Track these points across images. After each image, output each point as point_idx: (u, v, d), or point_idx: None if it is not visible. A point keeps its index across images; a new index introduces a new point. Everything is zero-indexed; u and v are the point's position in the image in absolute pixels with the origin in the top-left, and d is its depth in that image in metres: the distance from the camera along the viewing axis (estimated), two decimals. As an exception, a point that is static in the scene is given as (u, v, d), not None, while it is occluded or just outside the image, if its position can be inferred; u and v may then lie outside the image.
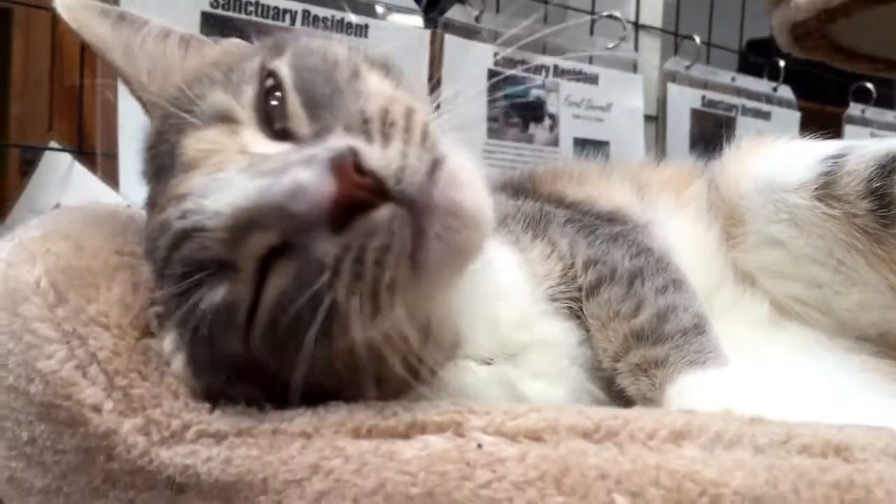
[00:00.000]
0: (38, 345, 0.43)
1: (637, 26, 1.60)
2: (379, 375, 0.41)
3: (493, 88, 1.41)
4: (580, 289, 0.56)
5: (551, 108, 1.48)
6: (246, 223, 0.39)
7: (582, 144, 1.51)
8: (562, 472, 0.36)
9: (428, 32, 1.31)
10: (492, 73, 1.41)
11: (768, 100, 1.81)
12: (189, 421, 0.42)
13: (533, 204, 0.63)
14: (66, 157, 1.03)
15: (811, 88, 1.94)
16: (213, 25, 1.11)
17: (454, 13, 1.36)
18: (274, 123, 0.43)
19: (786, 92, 1.83)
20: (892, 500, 0.35)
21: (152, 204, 0.46)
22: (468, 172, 0.41)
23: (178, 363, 0.43)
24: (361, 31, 1.24)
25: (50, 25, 1.21)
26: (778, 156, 0.67)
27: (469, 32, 1.38)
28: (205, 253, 0.40)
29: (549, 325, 0.54)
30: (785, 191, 0.64)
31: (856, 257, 0.62)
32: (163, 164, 0.45)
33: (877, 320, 0.63)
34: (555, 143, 1.48)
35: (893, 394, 0.58)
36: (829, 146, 0.64)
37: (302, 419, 0.41)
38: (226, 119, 0.44)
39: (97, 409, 0.42)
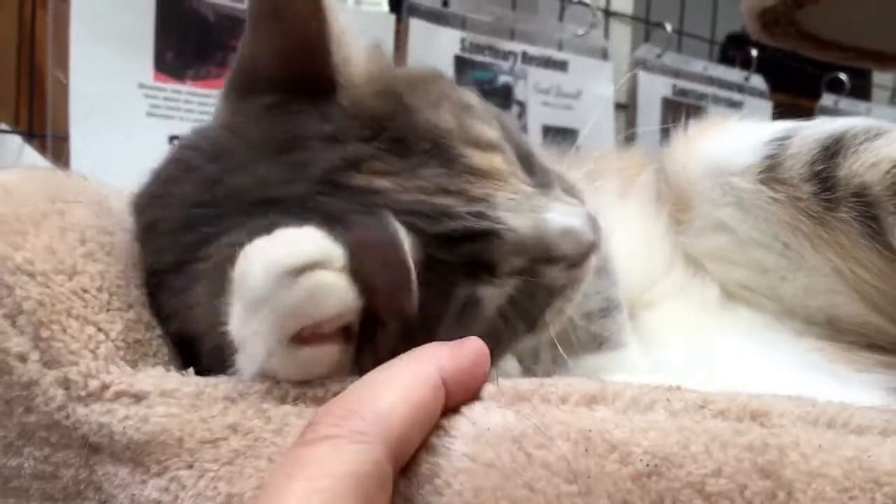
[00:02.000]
0: None
1: (607, 13, 1.59)
2: None
3: (459, 75, 1.40)
4: None
5: (519, 95, 1.47)
6: (525, 245, 0.46)
7: (551, 132, 1.51)
8: (466, 425, 0.35)
9: (392, 17, 1.30)
10: (459, 60, 1.40)
11: (740, 89, 1.81)
12: (108, 381, 0.40)
13: None
14: (15, 140, 1.01)
15: (785, 80, 1.94)
16: (169, 5, 1.10)
17: (420, -3, 1.35)
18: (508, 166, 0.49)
19: (758, 82, 1.83)
20: (808, 463, 0.34)
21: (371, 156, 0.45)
22: None
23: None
24: (324, 14, 1.23)
25: (17, 8, 1.19)
26: (724, 139, 0.66)
27: (435, 17, 1.37)
28: (486, 254, 0.45)
29: None
30: (731, 174, 0.63)
31: (801, 241, 0.61)
32: (404, 140, 0.46)
33: (823, 305, 0.62)
34: (523, 130, 1.47)
35: (835, 374, 0.57)
36: (775, 128, 0.63)
37: (227, 385, 0.40)
38: (495, 150, 0.48)
39: (23, 358, 0.41)
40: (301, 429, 0.35)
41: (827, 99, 1.96)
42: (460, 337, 0.41)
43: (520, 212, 0.46)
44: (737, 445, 0.35)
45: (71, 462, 0.40)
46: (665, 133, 0.74)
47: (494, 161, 0.48)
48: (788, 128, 0.63)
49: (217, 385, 0.40)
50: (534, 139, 1.49)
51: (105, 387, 0.40)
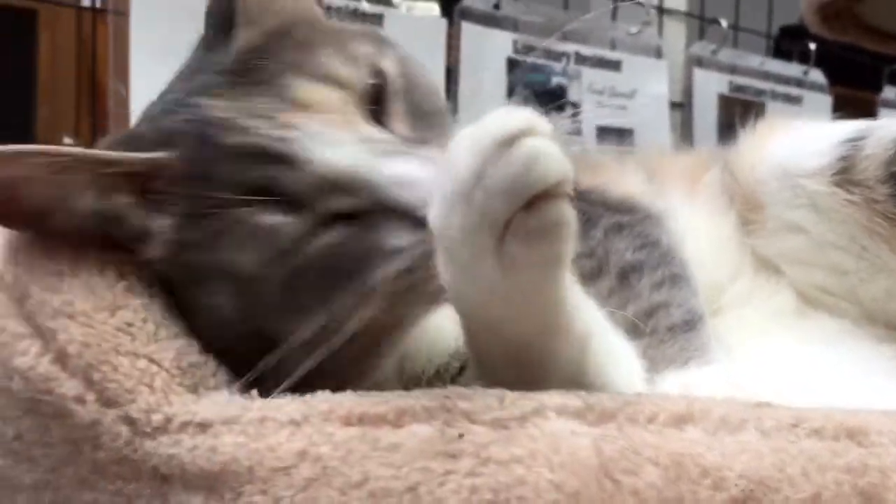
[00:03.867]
0: (10, 342, 0.42)
1: (661, 10, 1.57)
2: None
3: (512, 77, 1.39)
4: None
5: (573, 96, 1.46)
6: (346, 184, 0.43)
7: (605, 133, 1.49)
8: (552, 448, 0.34)
9: (444, 21, 1.30)
10: (511, 62, 1.39)
11: (799, 84, 1.77)
12: (171, 414, 0.40)
13: None
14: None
15: (844, 72, 1.89)
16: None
17: (472, 0, 1.34)
18: (378, 115, 0.47)
19: (817, 76, 1.78)
20: (910, 485, 0.33)
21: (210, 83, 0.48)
22: None
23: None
24: (376, 20, 1.23)
25: (75, 24, 1.21)
26: (794, 140, 0.64)
27: (487, 20, 1.36)
28: (288, 183, 0.43)
29: None
30: (801, 176, 0.61)
31: (879, 244, 0.59)
32: (251, 74, 0.47)
33: None
34: (577, 132, 1.45)
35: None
36: (847, 128, 0.61)
37: (291, 407, 0.39)
38: (341, 88, 0.47)
39: (80, 400, 0.41)
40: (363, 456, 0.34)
41: (889, 91, 1.91)
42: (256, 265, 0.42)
43: (336, 148, 0.44)
44: (835, 467, 0.33)
45: (143, 493, 0.40)
46: (722, 131, 0.73)
47: (325, 96, 0.46)
48: (861, 128, 0.61)
49: (280, 408, 0.39)
50: (588, 141, 1.47)
51: (168, 420, 0.39)
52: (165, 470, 0.39)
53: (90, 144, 1.07)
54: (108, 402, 0.40)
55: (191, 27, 1.08)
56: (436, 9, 1.30)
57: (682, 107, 1.60)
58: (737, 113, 1.68)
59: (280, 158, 0.43)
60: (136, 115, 1.01)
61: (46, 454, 0.42)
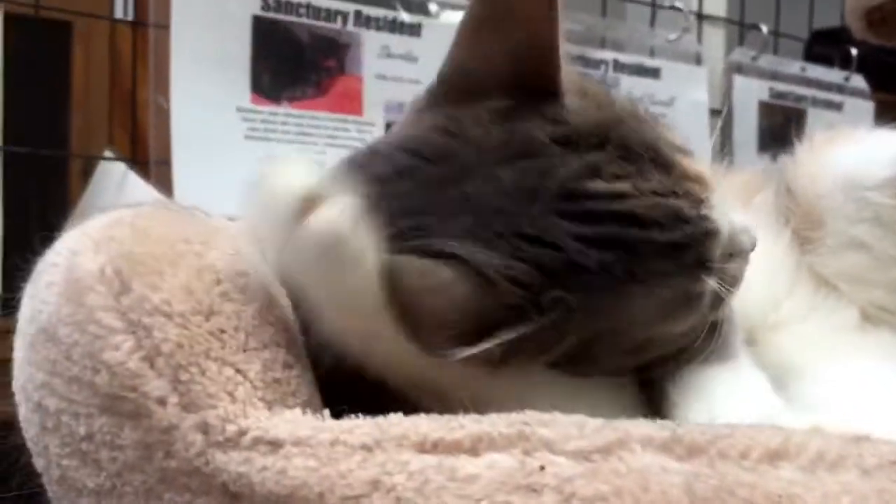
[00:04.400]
0: (103, 335, 0.41)
1: (700, 17, 1.54)
2: None
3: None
4: None
5: (612, 104, 1.44)
6: (724, 243, 0.48)
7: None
8: (640, 485, 0.32)
9: (484, 30, 1.28)
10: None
11: (840, 90, 1.73)
12: (245, 427, 0.39)
13: None
14: (119, 167, 1.03)
15: (885, 78, 1.86)
16: (265, 29, 1.10)
17: (510, 9, 1.33)
18: None
19: (858, 81, 1.75)
20: None
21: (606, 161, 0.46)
22: None
23: None
24: (414, 30, 1.22)
25: (108, 36, 1.21)
26: (857, 150, 0.63)
27: (525, 28, 1.34)
28: (708, 253, 0.47)
29: None
30: (866, 188, 0.60)
31: None
32: (628, 147, 0.47)
33: None
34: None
35: None
36: None
37: (363, 430, 0.38)
38: (692, 156, 0.50)
39: (162, 402, 0.40)
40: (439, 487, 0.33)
41: (932, 97, 1.87)
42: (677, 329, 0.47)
43: (722, 211, 0.48)
44: (945, 508, 0.31)
45: (211, 510, 0.39)
46: (763, 138, 0.71)
47: (699, 165, 0.49)
48: None
49: (352, 430, 0.38)
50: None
51: (242, 433, 0.39)
52: (235, 488, 0.38)
53: (128, 155, 1.08)
54: (189, 406, 0.40)
55: (230, 40, 1.08)
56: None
57: (722, 114, 1.58)
58: (777, 120, 1.66)
59: (707, 236, 0.47)
60: (176, 127, 1.02)
61: (114, 458, 0.41)
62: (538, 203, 0.43)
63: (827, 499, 0.32)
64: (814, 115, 1.69)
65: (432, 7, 1.25)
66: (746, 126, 1.59)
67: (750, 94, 1.60)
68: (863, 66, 1.75)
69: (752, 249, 0.51)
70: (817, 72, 1.71)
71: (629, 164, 0.45)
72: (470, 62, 0.47)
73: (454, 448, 0.36)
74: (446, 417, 0.38)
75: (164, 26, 1.03)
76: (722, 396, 0.50)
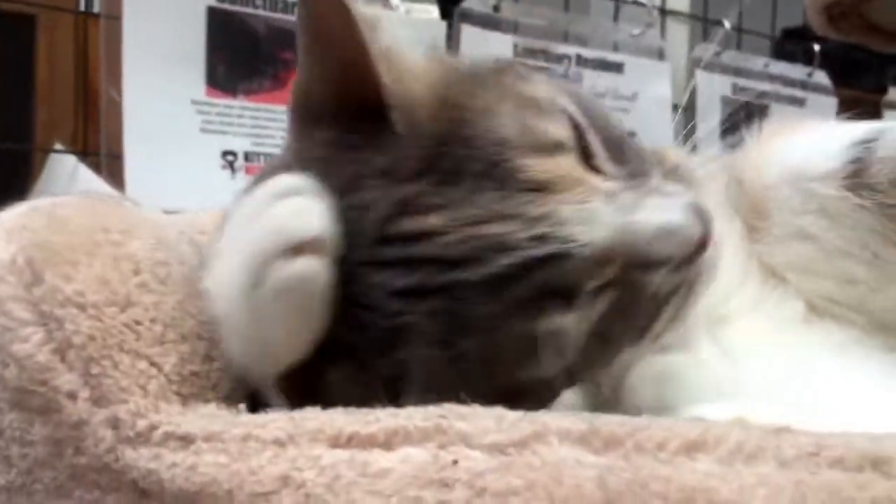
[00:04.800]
0: (13, 327, 0.40)
1: (664, 12, 1.55)
2: None
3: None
4: None
5: (575, 98, 1.44)
6: (611, 257, 0.41)
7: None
8: (553, 479, 0.31)
9: (444, 24, 1.27)
10: (512, 64, 1.37)
11: (803, 86, 1.75)
12: (157, 421, 0.38)
13: None
14: (70, 160, 1.01)
15: (849, 74, 1.87)
16: (219, 20, 1.09)
17: (471, 3, 1.32)
18: (587, 160, 0.44)
19: (821, 78, 1.76)
20: (942, 520, 0.30)
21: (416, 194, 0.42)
22: None
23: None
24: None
25: (73, 29, 1.19)
26: (802, 141, 0.62)
27: (487, 22, 1.34)
28: (558, 280, 0.41)
29: None
30: (812, 179, 0.59)
31: (892, 250, 0.57)
32: (459, 164, 0.42)
33: None
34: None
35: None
36: (859, 129, 0.59)
37: (276, 425, 0.37)
38: (560, 149, 0.43)
39: (72, 396, 0.39)
40: (358, 483, 0.32)
41: (893, 93, 1.89)
42: (545, 372, 0.40)
43: (594, 221, 0.41)
44: (860, 501, 0.31)
45: (121, 508, 0.38)
46: (726, 133, 0.71)
47: (561, 165, 0.43)
48: (874, 129, 0.59)
49: (265, 425, 0.37)
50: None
51: (153, 428, 0.38)
52: (144, 485, 0.37)
53: (83, 150, 1.06)
54: (99, 400, 0.39)
55: (184, 31, 1.06)
56: (435, 11, 1.27)
57: (685, 109, 1.58)
58: (740, 115, 1.67)
59: (546, 262, 0.40)
60: (128, 121, 1.00)
61: (24, 455, 0.40)
62: (356, 253, 0.40)
63: (743, 491, 0.31)
64: (777, 111, 1.70)
65: (394, 2, 1.24)
66: (709, 121, 1.59)
67: (713, 89, 1.61)
68: (826, 62, 1.76)
69: (683, 249, 0.43)
70: (780, 68, 1.72)
71: (452, 188, 0.41)
72: (303, 85, 0.46)
73: (368, 442, 0.35)
74: (364, 411, 0.37)
75: (116, 17, 1.01)
76: (672, 385, 0.50)
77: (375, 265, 0.40)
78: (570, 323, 0.41)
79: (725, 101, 1.63)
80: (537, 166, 0.42)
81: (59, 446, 0.39)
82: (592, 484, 0.32)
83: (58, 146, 1.05)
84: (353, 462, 0.34)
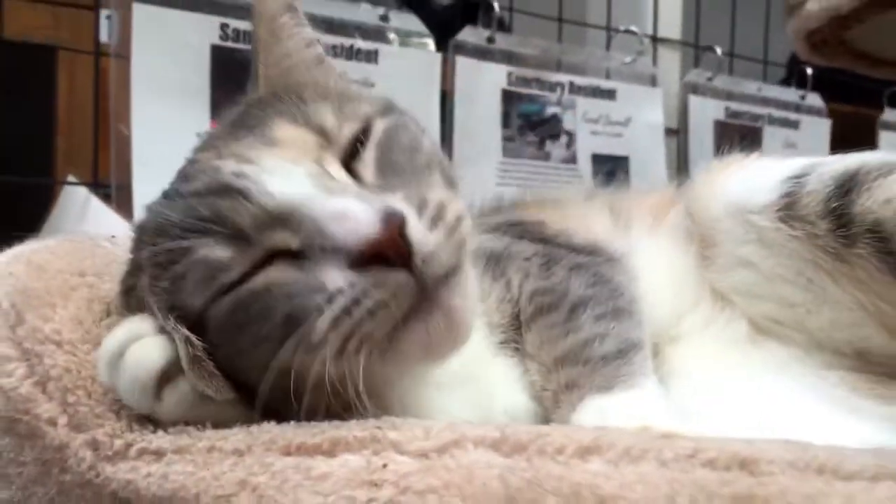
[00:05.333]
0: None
1: (655, 39, 1.60)
2: (312, 401, 0.44)
3: (507, 107, 1.42)
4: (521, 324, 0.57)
5: (568, 125, 1.49)
6: (285, 217, 0.44)
7: (600, 160, 1.52)
8: (465, 479, 0.37)
9: (439, 56, 1.33)
10: (506, 94, 1.43)
11: (797, 108, 1.79)
12: (132, 440, 0.44)
13: (500, 239, 0.64)
14: (82, 192, 1.07)
15: (844, 91, 1.91)
16: (223, 58, 1.15)
17: (466, 35, 1.38)
18: (350, 162, 0.50)
19: (814, 100, 1.81)
20: (793, 513, 0.35)
21: (215, 136, 0.53)
22: (472, 289, 0.48)
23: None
24: (372, 56, 1.27)
25: (93, 63, 1.25)
26: (744, 177, 0.67)
27: (481, 54, 1.39)
28: (234, 216, 0.45)
29: (496, 367, 0.56)
30: (751, 212, 0.64)
31: (822, 276, 0.62)
32: (246, 120, 0.51)
33: (850, 338, 0.63)
34: (572, 160, 1.49)
35: (858, 409, 0.58)
36: (793, 165, 0.64)
37: (236, 437, 0.43)
38: (321, 133, 0.50)
39: (53, 423, 0.45)
40: (296, 485, 0.38)
41: (889, 113, 1.92)
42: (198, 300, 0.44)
43: (288, 179, 0.45)
44: (723, 496, 0.36)
45: (104, 515, 0.43)
46: (719, 156, 0.76)
47: (299, 136, 0.49)
48: (806, 164, 0.64)
49: (227, 438, 0.43)
50: (584, 168, 1.50)
51: (129, 445, 0.44)
52: (123, 494, 0.43)
53: (94, 181, 1.13)
54: (77, 426, 0.44)
55: (189, 68, 1.13)
56: (431, 44, 1.33)
57: (678, 133, 1.63)
58: (734, 138, 1.71)
59: (231, 192, 0.45)
60: (137, 154, 1.07)
61: (19, 473, 0.46)
62: None
63: (623, 487, 0.36)
64: (770, 133, 1.75)
65: (390, 34, 1.30)
66: (702, 144, 1.64)
67: (706, 113, 1.66)
68: (822, 80, 1.80)
69: (365, 248, 0.42)
70: (773, 91, 1.76)
71: (232, 136, 0.51)
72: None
73: (314, 450, 0.41)
74: (312, 424, 0.42)
75: (126, 57, 1.08)
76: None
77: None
78: (231, 262, 0.44)
79: (718, 124, 1.68)
80: (283, 128, 0.49)
81: (47, 466, 0.45)
82: (497, 482, 0.37)
83: (71, 178, 1.12)
84: (299, 467, 0.40)
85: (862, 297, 0.61)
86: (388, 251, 0.42)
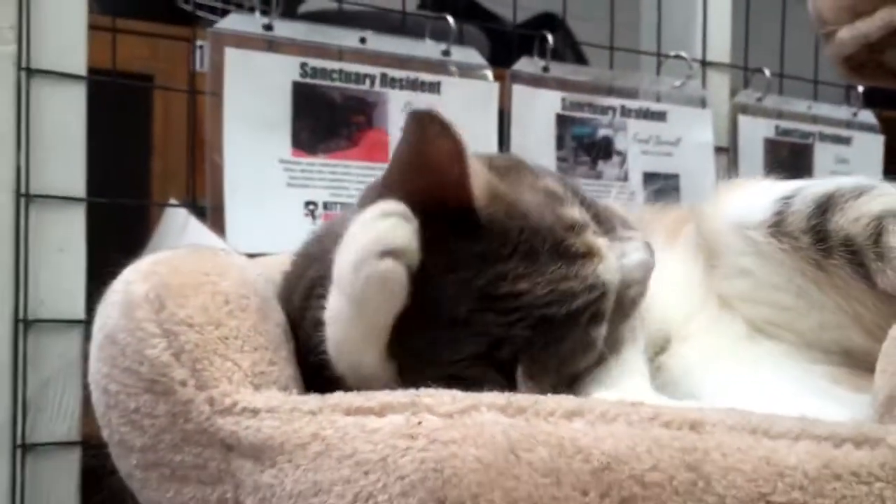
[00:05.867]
0: (146, 339, 0.60)
1: (704, 63, 1.69)
2: None
3: (560, 130, 1.54)
4: None
5: (619, 145, 1.60)
6: (614, 286, 0.64)
7: (651, 178, 1.62)
8: (478, 433, 0.49)
9: (497, 85, 1.46)
10: (560, 118, 1.54)
11: (848, 125, 1.85)
12: (237, 400, 0.57)
13: None
14: (182, 212, 1.23)
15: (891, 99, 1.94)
16: (303, 93, 1.30)
17: (522, 65, 1.50)
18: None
19: (867, 117, 1.86)
20: (725, 460, 0.46)
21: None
22: None
23: None
24: (434, 87, 1.40)
25: (187, 87, 1.39)
26: (744, 196, 0.78)
27: (536, 82, 1.52)
28: (601, 309, 0.64)
29: None
30: (748, 228, 0.75)
31: (809, 284, 0.72)
32: (533, 248, 0.62)
33: (837, 338, 0.73)
34: (624, 178, 1.59)
35: (837, 397, 0.68)
36: (785, 187, 0.75)
37: (312, 401, 0.56)
38: (585, 229, 0.65)
39: (183, 383, 0.58)
40: (354, 437, 0.51)
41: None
42: (583, 364, 0.63)
43: (612, 270, 0.64)
44: (672, 447, 0.47)
45: (214, 457, 0.57)
46: (770, 173, 0.86)
47: (587, 239, 0.64)
48: (794, 187, 0.74)
49: (306, 402, 0.56)
50: (635, 185, 1.60)
51: (235, 403, 0.57)
52: (229, 441, 0.57)
53: (193, 204, 1.28)
54: (201, 386, 0.58)
55: (274, 103, 1.28)
56: (489, 75, 1.46)
57: (728, 151, 1.71)
58: (784, 155, 1.78)
59: (594, 300, 0.63)
60: (228, 179, 1.22)
61: (153, 424, 0.60)
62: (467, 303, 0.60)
63: (597, 440, 0.48)
64: (821, 150, 1.81)
65: (451, 67, 1.43)
66: (752, 162, 1.72)
67: (755, 132, 1.74)
68: (877, 91, 1.84)
69: (648, 274, 0.67)
70: (824, 109, 1.83)
71: (531, 263, 0.61)
72: (399, 188, 0.60)
73: (368, 412, 0.53)
74: (367, 393, 0.55)
75: (218, 94, 1.24)
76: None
77: (482, 310, 0.60)
78: (603, 330, 0.63)
79: (768, 142, 1.76)
80: (577, 242, 0.64)
81: (175, 417, 0.59)
82: (501, 435, 0.49)
83: (172, 201, 1.28)
84: (356, 424, 0.53)
85: (842, 302, 0.71)
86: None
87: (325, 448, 0.53)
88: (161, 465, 0.60)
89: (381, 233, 0.56)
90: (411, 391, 0.55)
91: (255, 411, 0.57)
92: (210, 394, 0.58)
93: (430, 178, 0.60)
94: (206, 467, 0.58)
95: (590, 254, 0.64)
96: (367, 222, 0.57)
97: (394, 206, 0.57)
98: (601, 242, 0.65)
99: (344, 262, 0.57)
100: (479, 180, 0.62)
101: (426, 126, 0.58)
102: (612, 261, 0.65)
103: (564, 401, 0.51)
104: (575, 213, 0.66)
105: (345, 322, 0.58)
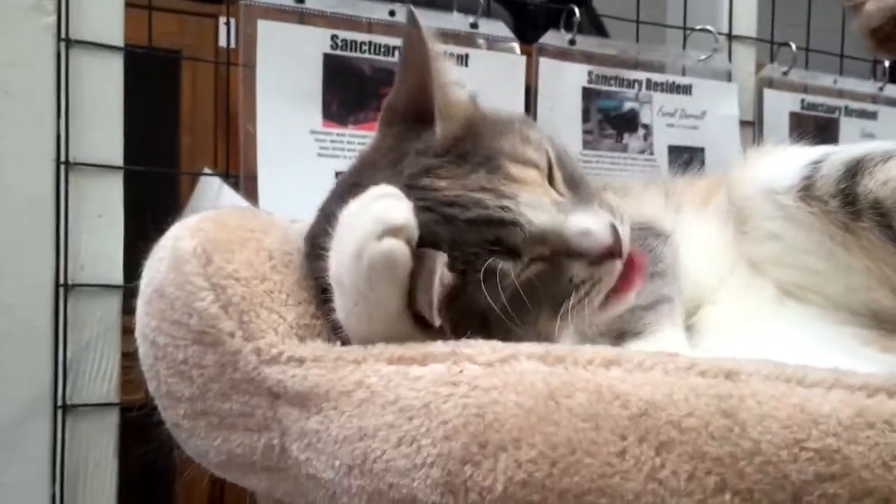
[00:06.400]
0: (195, 292, 0.62)
1: (731, 37, 1.68)
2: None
3: (586, 103, 1.54)
4: None
5: (645, 118, 1.60)
6: (544, 237, 0.61)
7: (677, 151, 1.62)
8: (518, 380, 0.51)
9: (524, 58, 1.46)
10: (585, 91, 1.55)
11: (874, 99, 1.84)
12: (283, 349, 0.60)
13: None
14: (216, 180, 1.25)
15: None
16: (333, 65, 1.32)
17: (549, 38, 1.51)
18: (552, 184, 0.66)
19: (893, 91, 1.85)
20: (761, 408, 0.48)
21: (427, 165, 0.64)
22: None
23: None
24: (462, 60, 1.41)
25: (213, 67, 1.42)
26: (773, 162, 0.80)
27: (563, 55, 1.52)
28: (508, 238, 0.60)
29: None
30: (777, 193, 0.77)
31: (837, 247, 0.74)
32: (466, 155, 0.64)
33: (864, 300, 0.75)
34: (649, 151, 1.60)
35: (865, 356, 0.69)
36: (814, 153, 0.76)
37: (356, 351, 0.58)
38: (536, 168, 0.65)
39: (231, 335, 0.61)
40: (397, 384, 0.52)
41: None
42: (490, 298, 0.58)
43: (540, 209, 0.61)
44: (708, 395, 0.49)
45: (261, 405, 0.59)
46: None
47: (529, 173, 0.64)
48: (823, 152, 0.76)
49: (350, 351, 0.59)
50: (660, 158, 1.61)
51: (281, 353, 0.59)
52: (275, 389, 0.59)
53: (226, 172, 1.31)
54: (248, 337, 0.61)
55: (305, 75, 1.30)
56: (517, 47, 1.47)
57: (754, 125, 1.71)
58: (809, 129, 1.78)
59: (502, 223, 0.61)
60: (261, 149, 1.24)
61: (201, 374, 0.62)
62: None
63: (635, 387, 0.50)
64: (847, 123, 1.81)
65: (479, 40, 1.44)
66: (778, 136, 1.71)
67: (781, 105, 1.73)
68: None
69: (603, 252, 0.61)
70: (850, 83, 1.82)
71: (458, 167, 0.63)
72: (393, 99, 0.69)
73: (410, 361, 0.55)
74: (408, 344, 0.57)
75: (251, 66, 1.26)
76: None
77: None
78: (509, 268, 0.60)
79: (794, 116, 1.76)
80: (515, 168, 0.63)
81: (223, 367, 0.61)
82: (541, 383, 0.51)
83: (206, 170, 1.30)
84: (399, 372, 0.55)
85: (870, 264, 0.72)
86: (614, 251, 0.61)
87: (370, 395, 0.55)
88: (209, 414, 0.62)
89: (378, 213, 0.56)
90: (451, 342, 0.57)
91: (300, 360, 0.59)
92: (257, 344, 0.60)
93: (411, 81, 0.67)
94: (253, 415, 0.60)
95: (522, 181, 0.63)
96: (357, 213, 0.58)
97: (383, 188, 0.59)
98: (553, 188, 0.64)
99: (342, 255, 0.58)
100: (449, 95, 0.67)
101: (410, 35, 0.66)
102: (548, 205, 0.62)
103: (602, 350, 0.53)
104: (538, 156, 0.65)
105: (359, 318, 0.59)
